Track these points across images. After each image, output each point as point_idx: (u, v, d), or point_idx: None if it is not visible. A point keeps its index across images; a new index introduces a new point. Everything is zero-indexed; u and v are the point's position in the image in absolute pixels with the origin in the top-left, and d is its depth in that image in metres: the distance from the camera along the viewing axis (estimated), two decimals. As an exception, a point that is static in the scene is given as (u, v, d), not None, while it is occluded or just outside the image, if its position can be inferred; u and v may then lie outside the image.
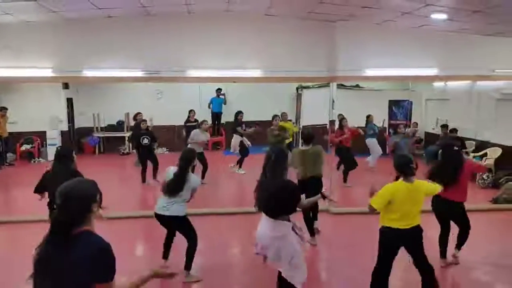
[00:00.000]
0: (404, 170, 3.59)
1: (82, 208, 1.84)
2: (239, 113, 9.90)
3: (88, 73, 6.71)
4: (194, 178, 4.37)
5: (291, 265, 3.09)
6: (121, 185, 9.12)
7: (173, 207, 4.19)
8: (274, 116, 8.25)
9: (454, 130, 10.47)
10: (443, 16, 5.67)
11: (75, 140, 12.77)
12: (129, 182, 9.13)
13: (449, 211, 4.57)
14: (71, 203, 1.81)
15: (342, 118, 8.72)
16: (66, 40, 6.60)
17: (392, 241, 3.61)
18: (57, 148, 4.21)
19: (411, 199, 3.53)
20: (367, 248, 5.47)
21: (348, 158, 8.55)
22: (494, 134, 9.16)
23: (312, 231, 5.36)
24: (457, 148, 4.64)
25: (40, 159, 11.67)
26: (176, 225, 4.31)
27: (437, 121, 11.36)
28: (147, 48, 6.68)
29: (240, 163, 9.53)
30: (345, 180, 8.60)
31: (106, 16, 6.39)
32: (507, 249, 5.07)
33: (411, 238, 3.58)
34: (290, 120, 10.81)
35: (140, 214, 6.33)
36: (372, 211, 3.59)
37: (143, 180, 8.58)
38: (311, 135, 5.43)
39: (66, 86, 12.07)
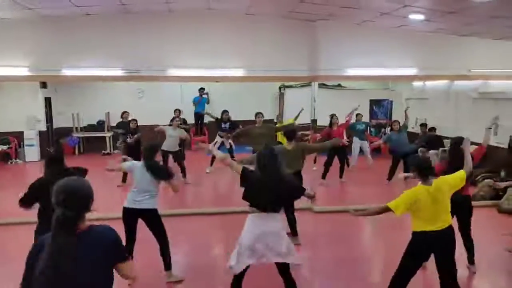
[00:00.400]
0: (424, 170, 3.43)
1: (85, 206, 1.91)
2: (224, 112, 9.84)
3: (67, 72, 6.59)
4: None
5: (290, 249, 3.34)
6: (104, 186, 8.97)
7: (146, 200, 4.11)
8: (257, 114, 8.25)
9: (433, 129, 10.69)
10: (421, 16, 5.79)
11: (54, 140, 12.48)
12: (113, 183, 9.00)
13: (460, 206, 4.25)
14: (77, 199, 1.87)
15: (332, 116, 8.79)
16: (44, 38, 6.46)
17: (425, 246, 3.42)
18: (48, 151, 4.03)
19: (435, 201, 3.37)
20: (351, 246, 5.57)
21: (341, 155, 8.60)
22: (471, 133, 9.34)
23: (295, 231, 5.37)
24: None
25: (17, 160, 11.36)
26: (149, 219, 4.19)
27: (416, 120, 11.56)
28: (127, 47, 6.60)
29: (212, 161, 9.48)
30: (341, 176, 8.80)
31: (85, 13, 6.29)
32: (485, 246, 5.20)
33: (444, 241, 3.41)
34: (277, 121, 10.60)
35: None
36: (383, 211, 3.47)
37: (124, 180, 8.47)
38: (294, 131, 5.46)
39: (44, 85, 11.78)
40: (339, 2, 5.58)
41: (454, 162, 4.16)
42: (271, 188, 3.34)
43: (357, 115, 10.08)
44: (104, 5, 5.99)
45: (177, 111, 10.03)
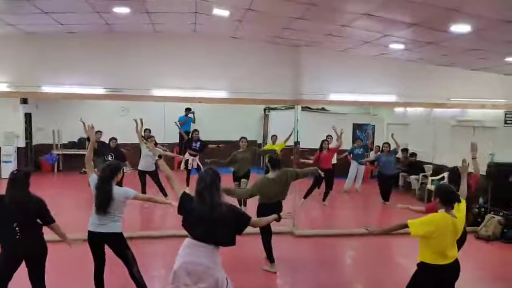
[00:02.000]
0: (450, 198, 3.26)
1: None
2: (194, 131, 9.87)
3: (47, 89, 6.48)
4: (118, 190, 3.99)
5: None
6: (79, 206, 8.74)
7: (109, 224, 3.94)
8: (241, 138, 8.25)
9: (414, 154, 10.88)
10: (401, 46, 5.96)
11: (32, 157, 12.18)
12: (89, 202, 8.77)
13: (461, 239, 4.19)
14: None
15: (323, 142, 8.91)
16: (25, 55, 6.37)
17: (435, 279, 3.28)
18: (12, 172, 3.79)
19: (453, 233, 3.27)
20: (332, 271, 5.51)
21: (328, 179, 8.63)
22: (450, 159, 9.57)
23: (272, 258, 5.29)
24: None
25: (-7, 176, 11.02)
26: (113, 243, 4.02)
27: (400, 145, 11.75)
28: (110, 66, 6.56)
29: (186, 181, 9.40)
30: (324, 199, 8.90)
31: (68, 31, 6.24)
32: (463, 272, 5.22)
33: (453, 275, 3.33)
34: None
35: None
36: (401, 228, 3.34)
37: None
38: (278, 160, 5.30)
39: (24, 101, 11.58)
40: (321, 30, 5.70)
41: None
42: (207, 217, 3.00)
43: (355, 140, 10.41)
44: (88, 23, 5.97)
45: (147, 131, 9.66)
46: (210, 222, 3.00)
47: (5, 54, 6.33)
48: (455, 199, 3.28)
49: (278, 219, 3.49)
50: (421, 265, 3.34)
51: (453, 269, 3.32)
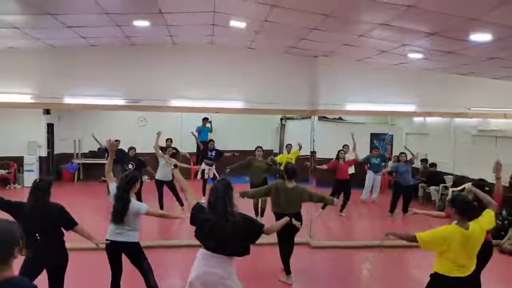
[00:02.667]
0: (466, 212, 3.16)
1: (5, 252, 1.77)
2: (210, 141, 9.97)
3: (69, 100, 6.66)
4: (133, 203, 4.03)
5: None
6: (99, 214, 8.87)
7: (126, 233, 3.99)
8: (257, 147, 8.28)
9: (433, 165, 10.66)
10: (419, 55, 5.89)
11: (54, 166, 12.48)
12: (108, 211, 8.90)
13: (485, 253, 4.06)
14: None
15: (339, 151, 8.93)
16: (48, 67, 6.58)
17: None
18: (35, 180, 3.88)
19: (467, 247, 3.13)
20: (349, 283, 5.42)
21: (346, 190, 8.68)
22: (471, 169, 9.33)
23: (288, 270, 5.24)
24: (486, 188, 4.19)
25: (16, 185, 11.34)
26: (130, 252, 4.07)
27: (417, 155, 11.54)
28: (130, 77, 6.70)
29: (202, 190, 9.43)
30: (341, 210, 8.79)
31: (89, 44, 6.42)
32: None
33: (471, 287, 3.21)
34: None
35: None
36: (411, 240, 3.23)
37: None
38: (295, 171, 5.28)
39: (47, 111, 11.92)
40: (339, 39, 5.69)
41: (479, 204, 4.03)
42: (220, 228, 3.01)
43: (372, 149, 10.27)
44: (109, 36, 6.13)
45: (169, 140, 10.00)
46: (222, 232, 3.01)
47: (29, 66, 6.55)
48: (471, 210, 3.18)
49: (290, 222, 3.54)
50: (434, 275, 3.26)
51: (470, 283, 3.20)
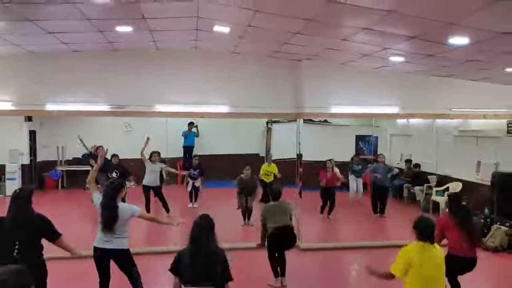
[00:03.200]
0: (425, 234, 3.20)
1: None
2: (194, 157, 10.25)
3: (51, 106, 6.56)
4: (124, 207, 4.03)
5: None
6: (83, 222, 8.72)
7: (116, 240, 3.95)
8: (246, 166, 8.35)
9: (417, 165, 10.83)
10: (401, 58, 5.99)
11: (36, 174, 12.23)
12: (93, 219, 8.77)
13: (470, 268, 4.33)
14: None
15: (326, 162, 9.12)
16: (29, 73, 6.48)
17: None
18: (15, 190, 3.76)
19: (430, 261, 3.15)
20: (337, 284, 5.45)
21: (330, 199, 8.93)
22: (453, 169, 9.53)
23: (276, 273, 5.27)
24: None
25: (-3, 194, 11.07)
26: (120, 259, 4.03)
27: (401, 156, 11.71)
28: (114, 83, 6.64)
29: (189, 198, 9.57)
30: (328, 214, 8.98)
31: (71, 50, 6.34)
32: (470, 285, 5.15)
33: None
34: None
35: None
36: (390, 277, 3.26)
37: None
38: (279, 192, 5.48)
39: (29, 118, 11.67)
40: (321, 44, 5.76)
41: (457, 214, 4.36)
42: (201, 263, 3.06)
43: (357, 151, 10.48)
44: (92, 42, 6.07)
45: (156, 154, 9.29)
46: (204, 266, 3.05)
47: (9, 73, 6.44)
48: (429, 240, 3.21)
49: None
50: None
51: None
